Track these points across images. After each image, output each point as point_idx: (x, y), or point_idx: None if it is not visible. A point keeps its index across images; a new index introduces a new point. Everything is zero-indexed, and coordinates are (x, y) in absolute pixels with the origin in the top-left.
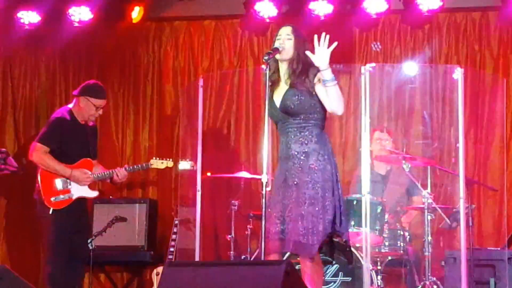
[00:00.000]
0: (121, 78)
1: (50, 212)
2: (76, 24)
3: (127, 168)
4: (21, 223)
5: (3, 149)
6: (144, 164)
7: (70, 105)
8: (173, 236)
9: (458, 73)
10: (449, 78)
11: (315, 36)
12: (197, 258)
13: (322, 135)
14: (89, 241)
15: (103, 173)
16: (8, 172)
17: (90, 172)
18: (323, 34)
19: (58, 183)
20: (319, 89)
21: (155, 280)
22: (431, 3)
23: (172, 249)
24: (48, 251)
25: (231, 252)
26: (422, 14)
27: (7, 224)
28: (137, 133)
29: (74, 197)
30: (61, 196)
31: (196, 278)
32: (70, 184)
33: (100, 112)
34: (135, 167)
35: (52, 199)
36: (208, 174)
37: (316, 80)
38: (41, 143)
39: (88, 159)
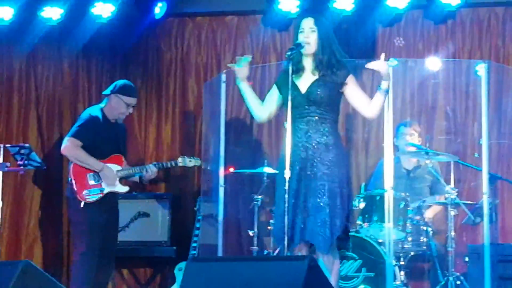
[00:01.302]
0: (144, 74)
1: (82, 205)
2: (99, 20)
3: (156, 164)
4: (44, 219)
5: (27, 145)
6: (172, 162)
7: (101, 105)
8: (196, 232)
9: (481, 68)
10: (472, 73)
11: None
12: (220, 254)
13: (338, 131)
14: None
15: (133, 168)
16: (32, 168)
17: (120, 167)
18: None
19: (90, 178)
20: (350, 91)
21: (178, 275)
22: None
23: (195, 245)
24: (81, 244)
25: (254, 248)
26: (445, 9)
27: (30, 220)
28: (160, 129)
29: (105, 192)
30: (93, 190)
31: (219, 274)
32: (101, 179)
33: (131, 110)
34: (163, 164)
35: (84, 192)
36: (231, 169)
37: (347, 81)
38: (74, 137)
39: (119, 155)
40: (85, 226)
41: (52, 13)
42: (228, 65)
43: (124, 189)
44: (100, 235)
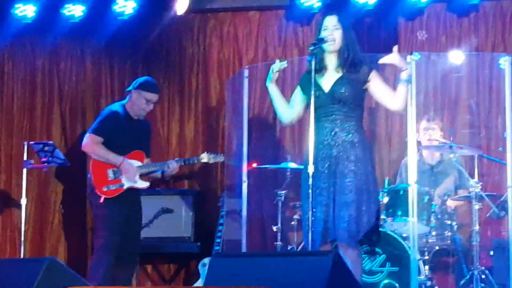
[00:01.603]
0: (166, 70)
1: (101, 200)
2: (121, 17)
3: (178, 160)
4: (68, 215)
5: (50, 142)
6: (194, 158)
7: (124, 101)
8: (220, 227)
9: (505, 62)
10: (496, 67)
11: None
12: (243, 249)
13: (363, 128)
14: None
15: (154, 164)
16: (55, 165)
17: (141, 163)
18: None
19: (110, 173)
20: (374, 86)
21: (202, 271)
22: None
23: (218, 240)
24: (100, 238)
25: (278, 243)
26: (468, 2)
27: (54, 216)
28: (183, 125)
29: (125, 187)
30: (112, 186)
31: (244, 269)
32: (121, 174)
33: (151, 106)
34: (185, 160)
35: (104, 188)
36: (254, 165)
37: (370, 77)
38: (94, 133)
39: (140, 151)
40: (105, 221)
41: (74, 10)
42: (272, 66)
43: (144, 184)
44: (119, 231)
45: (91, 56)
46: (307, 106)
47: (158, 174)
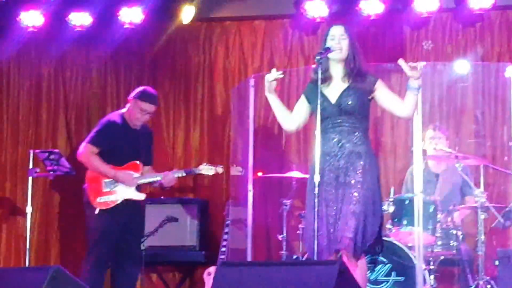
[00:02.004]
0: (172, 78)
1: (96, 212)
2: (127, 26)
3: (176, 172)
4: (73, 224)
5: (56, 150)
6: (193, 169)
7: (123, 110)
8: (225, 236)
9: (510, 71)
10: (501, 76)
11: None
12: (249, 258)
13: (369, 139)
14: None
15: (150, 176)
16: (61, 173)
17: (137, 174)
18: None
19: (105, 184)
20: (381, 95)
21: (207, 280)
22: (482, 1)
23: (224, 249)
24: (89, 249)
25: (283, 252)
26: (473, 12)
27: (60, 225)
28: (188, 134)
29: (119, 199)
30: (107, 197)
31: (249, 278)
32: (116, 186)
33: (146, 117)
34: (183, 172)
35: (98, 199)
36: (259, 174)
37: (376, 86)
38: (90, 143)
39: (136, 162)
40: (97, 233)
41: (81, 19)
42: (266, 76)
43: (140, 196)
44: (110, 243)
45: (97, 64)
46: (311, 114)
47: (155, 184)
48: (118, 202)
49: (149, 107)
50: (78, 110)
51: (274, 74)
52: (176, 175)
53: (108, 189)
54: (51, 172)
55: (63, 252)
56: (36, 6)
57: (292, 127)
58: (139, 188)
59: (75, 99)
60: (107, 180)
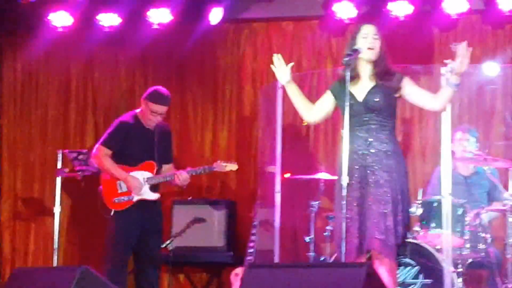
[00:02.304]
0: (200, 79)
1: (112, 213)
2: (156, 26)
3: (190, 171)
4: (101, 224)
5: (84, 150)
6: (207, 167)
7: (138, 110)
8: (252, 237)
9: None
10: None
11: (461, 45)
12: (276, 260)
13: (396, 138)
14: (168, 242)
15: (164, 176)
16: (89, 174)
17: (151, 174)
18: (465, 43)
19: (120, 185)
20: (409, 90)
21: (234, 281)
22: None
23: (251, 250)
24: (107, 251)
25: (311, 254)
26: (503, 13)
27: (88, 225)
28: (216, 134)
29: (134, 199)
30: (122, 198)
31: (276, 280)
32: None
33: (159, 118)
34: (197, 170)
35: (113, 200)
36: (287, 175)
37: (402, 83)
38: (103, 145)
39: (151, 161)
40: (114, 236)
41: (109, 19)
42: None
43: (154, 196)
44: (127, 243)
45: (126, 65)
46: (335, 110)
47: (184, 186)
48: (133, 202)
49: (160, 108)
50: (106, 111)
51: (276, 59)
52: (190, 174)
53: (123, 190)
54: (79, 172)
55: (90, 253)
56: (65, 6)
57: (313, 118)
58: (155, 188)
59: (103, 99)
60: (121, 181)
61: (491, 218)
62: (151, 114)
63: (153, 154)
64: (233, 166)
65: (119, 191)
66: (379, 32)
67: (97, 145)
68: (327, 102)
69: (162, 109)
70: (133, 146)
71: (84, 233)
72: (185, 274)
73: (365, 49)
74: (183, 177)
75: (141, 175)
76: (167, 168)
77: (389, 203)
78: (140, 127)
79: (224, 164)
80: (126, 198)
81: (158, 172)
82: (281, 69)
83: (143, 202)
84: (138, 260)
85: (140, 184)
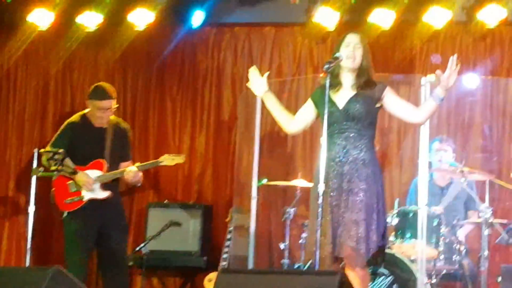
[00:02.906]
0: (180, 82)
1: (64, 215)
2: (137, 28)
3: (139, 166)
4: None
5: (61, 150)
6: (154, 161)
7: (87, 110)
8: (227, 243)
9: None
10: (510, 92)
11: (451, 58)
12: (250, 266)
13: (374, 147)
14: (142, 245)
15: (114, 173)
16: (65, 174)
17: (100, 173)
18: (455, 57)
19: (71, 186)
20: (390, 101)
21: (208, 286)
22: (494, 16)
23: (225, 256)
24: (65, 252)
25: (285, 261)
26: (484, 26)
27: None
28: (194, 138)
29: (85, 199)
30: (73, 198)
31: (249, 286)
32: (81, 187)
33: (108, 114)
34: (146, 164)
35: (65, 201)
36: (264, 181)
37: (384, 93)
38: (50, 146)
39: (100, 160)
40: (66, 235)
41: (90, 19)
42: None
43: (104, 194)
44: (85, 248)
45: (105, 66)
46: (317, 119)
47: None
48: (84, 202)
49: (105, 103)
50: None
51: (253, 70)
52: (138, 169)
53: (74, 190)
54: (55, 172)
55: (63, 253)
56: (46, 5)
57: (293, 129)
58: (107, 186)
59: (82, 100)
60: (72, 181)
61: (467, 231)
62: (99, 111)
63: (103, 153)
64: (179, 159)
65: (70, 191)
66: (364, 41)
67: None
68: (308, 111)
69: (107, 103)
70: (81, 146)
71: (58, 233)
72: (159, 278)
73: (345, 58)
74: (131, 172)
75: (90, 174)
76: (124, 165)
77: (363, 212)
78: (88, 127)
79: (171, 157)
80: (77, 198)
81: (112, 170)
82: (256, 81)
83: (97, 203)
84: (102, 262)
85: (89, 179)
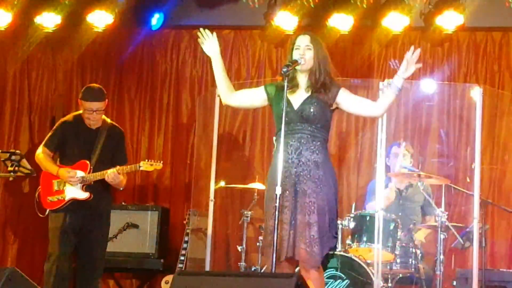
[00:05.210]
0: (138, 84)
1: (47, 213)
2: (96, 29)
3: (118, 169)
4: (32, 226)
5: (18, 151)
6: (133, 165)
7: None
8: (184, 245)
9: (476, 92)
10: (467, 97)
11: (411, 47)
12: (207, 268)
13: (328, 150)
14: None
15: (94, 174)
16: (22, 175)
17: (84, 174)
18: (418, 49)
19: (55, 184)
20: (347, 100)
21: None
22: (452, 22)
23: (182, 258)
24: (49, 247)
25: (242, 263)
26: (442, 32)
27: (18, 226)
28: (152, 140)
29: (66, 198)
30: (55, 197)
31: None
32: (65, 186)
33: (95, 115)
34: (125, 168)
35: (48, 199)
36: (222, 184)
37: (339, 94)
38: (44, 145)
39: (84, 161)
40: (50, 235)
41: (48, 20)
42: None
43: (83, 195)
44: (66, 245)
45: (64, 66)
46: (256, 106)
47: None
48: (66, 202)
49: (92, 105)
50: (42, 112)
51: (201, 34)
52: (117, 172)
53: (57, 189)
54: (11, 173)
55: (20, 254)
56: (3, 6)
57: (233, 102)
58: (87, 188)
59: (40, 100)
60: (57, 180)
61: (425, 234)
62: (86, 112)
63: (90, 154)
64: (157, 165)
65: (54, 190)
66: (314, 42)
67: (41, 145)
68: (256, 95)
69: (94, 105)
70: (70, 145)
71: (15, 234)
72: (115, 280)
73: (298, 60)
74: (111, 175)
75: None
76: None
77: (315, 214)
78: (81, 127)
79: (150, 163)
80: (59, 197)
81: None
82: (209, 41)
83: (78, 204)
84: (78, 266)
85: (72, 173)
